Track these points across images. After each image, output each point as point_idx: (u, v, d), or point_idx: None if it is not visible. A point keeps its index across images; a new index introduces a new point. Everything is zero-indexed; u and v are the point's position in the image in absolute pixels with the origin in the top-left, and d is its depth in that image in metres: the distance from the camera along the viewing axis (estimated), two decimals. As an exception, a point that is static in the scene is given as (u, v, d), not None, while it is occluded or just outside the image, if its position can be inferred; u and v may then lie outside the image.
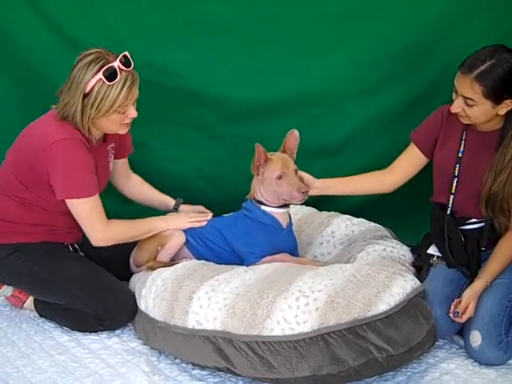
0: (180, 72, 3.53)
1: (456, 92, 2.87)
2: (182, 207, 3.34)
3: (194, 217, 3.19)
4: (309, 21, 3.41)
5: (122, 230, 3.09)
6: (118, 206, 3.69)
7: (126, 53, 2.90)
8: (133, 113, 2.95)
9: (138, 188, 3.40)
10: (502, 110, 2.84)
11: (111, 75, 2.83)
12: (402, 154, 3.17)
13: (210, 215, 3.22)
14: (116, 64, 2.84)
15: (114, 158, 3.25)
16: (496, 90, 2.77)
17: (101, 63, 2.84)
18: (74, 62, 2.89)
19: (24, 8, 3.47)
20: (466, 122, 2.93)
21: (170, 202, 3.37)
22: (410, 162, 3.15)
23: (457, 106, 2.88)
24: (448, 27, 3.34)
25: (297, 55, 3.47)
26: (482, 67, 2.76)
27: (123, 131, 3.04)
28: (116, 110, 2.88)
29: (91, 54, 2.87)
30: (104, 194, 3.31)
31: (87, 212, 2.97)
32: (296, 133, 3.02)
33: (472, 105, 2.82)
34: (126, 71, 2.86)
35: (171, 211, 3.34)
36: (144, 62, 3.45)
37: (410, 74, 3.46)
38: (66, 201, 2.96)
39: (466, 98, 2.82)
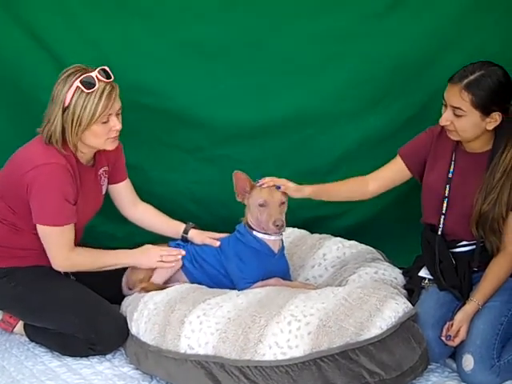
0: (170, 94, 3.53)
1: (445, 106, 2.89)
2: (192, 232, 3.26)
3: (166, 255, 3.14)
4: (299, 42, 3.43)
5: (84, 262, 3.07)
6: (115, 227, 3.69)
7: (105, 67, 2.91)
8: (117, 125, 2.94)
9: (145, 216, 3.34)
10: (491, 124, 2.85)
11: (89, 83, 2.83)
12: (386, 165, 3.19)
13: (182, 252, 3.16)
14: (94, 74, 2.85)
15: (112, 182, 3.24)
16: (484, 100, 2.79)
17: (79, 74, 2.85)
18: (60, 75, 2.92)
19: (16, 31, 3.47)
20: (454, 137, 2.93)
21: (180, 227, 3.30)
22: (392, 174, 3.17)
23: (445, 119, 2.89)
24: (439, 48, 3.36)
25: (287, 77, 3.48)
26: (472, 77, 2.80)
27: (110, 146, 3.00)
28: (97, 120, 2.87)
29: (70, 68, 2.89)
30: (100, 214, 3.32)
31: (54, 240, 2.98)
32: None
33: (460, 115, 2.83)
34: (104, 81, 2.87)
35: (181, 237, 3.27)
36: (134, 84, 3.48)
37: (401, 95, 3.47)
38: (37, 226, 2.96)
39: (454, 107, 2.84)
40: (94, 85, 2.84)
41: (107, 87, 2.87)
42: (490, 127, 2.86)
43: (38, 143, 2.95)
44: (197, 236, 3.24)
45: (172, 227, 3.32)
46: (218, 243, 3.15)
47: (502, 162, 2.88)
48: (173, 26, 3.44)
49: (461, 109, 2.82)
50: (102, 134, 2.92)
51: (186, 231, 3.27)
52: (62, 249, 2.99)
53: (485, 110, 2.81)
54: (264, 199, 2.97)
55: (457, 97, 2.81)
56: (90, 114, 2.84)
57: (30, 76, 3.51)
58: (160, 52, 3.48)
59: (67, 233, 2.97)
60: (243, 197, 3.03)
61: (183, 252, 3.16)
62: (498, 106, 2.81)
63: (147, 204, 3.36)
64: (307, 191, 3.11)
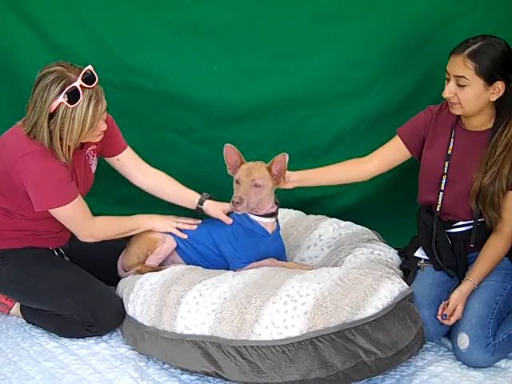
0: (165, 76, 3.52)
1: (448, 79, 2.90)
2: (207, 203, 3.21)
3: (182, 222, 3.18)
4: (294, 23, 3.41)
5: (107, 227, 3.11)
6: (109, 209, 3.67)
7: (90, 67, 2.83)
8: (103, 126, 2.91)
9: (156, 183, 3.28)
10: (494, 95, 2.86)
11: (73, 97, 2.76)
12: (385, 145, 3.18)
13: (198, 221, 3.20)
14: (78, 83, 2.76)
15: (107, 156, 3.20)
16: (488, 68, 2.81)
17: (62, 83, 2.76)
18: (36, 79, 2.82)
19: (8, 12, 3.45)
20: (457, 111, 2.94)
21: (195, 197, 3.23)
22: (391, 154, 3.17)
23: (449, 91, 2.89)
24: (433, 28, 3.35)
25: (282, 58, 3.47)
26: (475, 46, 2.82)
27: (96, 140, 2.99)
28: (89, 129, 2.82)
29: (52, 72, 2.79)
30: (94, 196, 3.30)
31: (70, 216, 2.98)
32: (285, 157, 2.96)
33: (464, 85, 2.84)
34: (89, 88, 2.79)
35: (196, 208, 3.23)
36: (127, 65, 3.49)
37: (396, 76, 3.47)
38: (49, 211, 2.95)
39: (458, 77, 2.84)
40: (79, 97, 2.77)
41: (93, 96, 2.80)
42: (493, 98, 2.87)
43: (22, 131, 2.90)
44: (212, 207, 3.19)
45: (186, 197, 3.26)
46: (230, 221, 3.12)
47: (504, 137, 2.90)
48: (167, 6, 3.42)
49: (465, 77, 2.82)
50: (88, 136, 2.89)
51: (201, 202, 3.22)
52: (81, 222, 3.01)
53: (488, 78, 2.82)
54: (239, 177, 2.96)
55: (461, 66, 2.83)
56: (80, 125, 2.80)
57: (24, 59, 3.49)
58: (154, 33, 3.46)
59: (78, 205, 2.97)
60: (234, 171, 3.02)
61: (199, 221, 3.19)
62: (501, 75, 2.83)
63: (158, 171, 3.30)
64: (294, 177, 3.11)
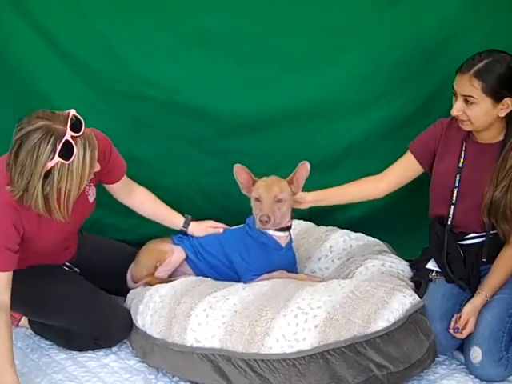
0: (175, 86, 3.50)
1: (456, 96, 2.88)
2: (192, 225, 3.21)
3: None
4: (304, 34, 3.39)
5: None
6: (119, 219, 3.67)
7: (73, 111, 2.57)
8: (96, 168, 2.72)
9: (142, 204, 3.23)
10: (503, 111, 2.84)
11: (67, 152, 2.52)
12: (397, 161, 3.17)
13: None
14: (69, 136, 2.51)
15: (107, 183, 3.10)
16: (495, 86, 2.79)
17: (52, 140, 2.50)
18: (15, 139, 2.55)
19: (18, 19, 3.44)
20: (467, 127, 2.92)
21: (179, 220, 3.22)
22: (404, 170, 3.15)
23: (457, 109, 2.88)
24: (444, 40, 3.33)
25: (293, 69, 3.45)
26: (480, 64, 2.80)
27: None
28: (88, 178, 2.64)
29: (36, 129, 2.50)
30: (103, 206, 3.27)
31: None
32: (307, 165, 2.98)
33: (472, 103, 2.82)
34: (79, 137, 2.54)
35: (181, 230, 3.22)
36: (139, 75, 3.47)
37: (407, 88, 3.44)
38: None
39: (465, 96, 2.83)
40: (73, 150, 2.53)
41: (86, 144, 2.57)
42: (502, 114, 2.85)
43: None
44: (196, 228, 3.21)
45: (171, 219, 3.24)
46: (221, 230, 3.16)
47: None
48: (178, 17, 3.40)
49: (472, 96, 2.81)
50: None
51: (185, 225, 3.21)
52: None
53: (496, 96, 2.80)
54: (259, 194, 2.95)
55: (467, 85, 2.81)
56: (79, 180, 2.59)
57: (35, 67, 3.49)
58: (165, 43, 3.44)
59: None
60: (248, 190, 3.01)
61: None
62: (509, 92, 2.81)
63: (145, 191, 3.24)
64: (309, 198, 3.10)
